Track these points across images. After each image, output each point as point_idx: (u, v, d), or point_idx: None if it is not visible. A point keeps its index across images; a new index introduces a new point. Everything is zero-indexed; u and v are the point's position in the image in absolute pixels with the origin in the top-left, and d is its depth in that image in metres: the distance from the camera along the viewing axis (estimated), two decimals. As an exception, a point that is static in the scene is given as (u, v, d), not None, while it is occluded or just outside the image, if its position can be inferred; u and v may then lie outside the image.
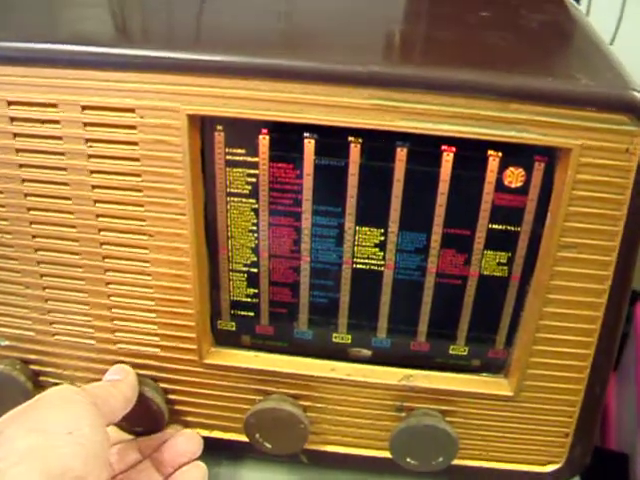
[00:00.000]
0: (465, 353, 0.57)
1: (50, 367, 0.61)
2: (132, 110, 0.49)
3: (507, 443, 0.59)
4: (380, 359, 0.58)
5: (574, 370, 0.55)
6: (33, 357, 0.60)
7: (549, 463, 0.61)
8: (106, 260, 0.54)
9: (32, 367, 0.61)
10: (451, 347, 0.57)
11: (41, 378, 0.61)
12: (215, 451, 0.61)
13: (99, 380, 0.59)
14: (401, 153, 0.49)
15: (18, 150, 0.51)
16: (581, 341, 0.53)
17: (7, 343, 0.60)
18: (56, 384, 0.60)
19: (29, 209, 0.53)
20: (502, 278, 0.53)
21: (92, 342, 0.58)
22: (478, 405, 0.57)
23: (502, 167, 0.49)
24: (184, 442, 0.59)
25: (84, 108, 0.49)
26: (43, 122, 0.50)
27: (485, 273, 0.53)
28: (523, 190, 0.50)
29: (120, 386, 0.55)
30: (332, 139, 0.49)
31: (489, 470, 0.61)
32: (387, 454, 0.59)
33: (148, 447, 0.60)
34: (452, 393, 0.57)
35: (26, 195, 0.53)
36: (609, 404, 1.06)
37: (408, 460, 0.58)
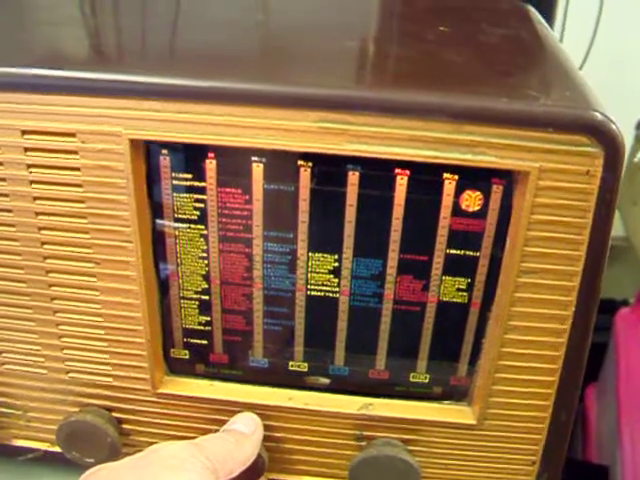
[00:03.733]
0: (426, 381, 0.55)
1: (2, 397, 0.59)
2: (73, 134, 0.47)
3: (472, 472, 0.57)
4: (338, 387, 0.56)
5: (539, 397, 0.53)
6: (-18, 388, 0.58)
7: (516, 491, 0.59)
8: (53, 288, 0.53)
9: (-19, 399, 0.59)
10: (411, 375, 0.55)
11: (-8, 409, 0.59)
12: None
13: (52, 410, 0.57)
14: (353, 177, 0.47)
15: (-43, 178, 0.49)
16: (545, 368, 0.52)
17: (-47, 374, 0.58)
18: (9, 414, 0.59)
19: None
20: (462, 304, 0.52)
21: (43, 371, 0.57)
22: (441, 434, 0.55)
23: (459, 190, 0.48)
24: None
25: (24, 132, 0.47)
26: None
27: (444, 299, 0.51)
28: (481, 214, 0.48)
29: (245, 445, 0.51)
30: (281, 163, 0.48)
31: (456, 498, 0.59)
32: (348, 484, 0.57)
33: None
34: (414, 422, 0.55)
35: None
36: (589, 415, 1.05)
37: (370, 492, 0.56)
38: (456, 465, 0.57)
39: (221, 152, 0.48)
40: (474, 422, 0.54)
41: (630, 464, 0.76)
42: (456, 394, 0.56)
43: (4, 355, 0.56)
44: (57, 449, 0.59)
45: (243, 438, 0.51)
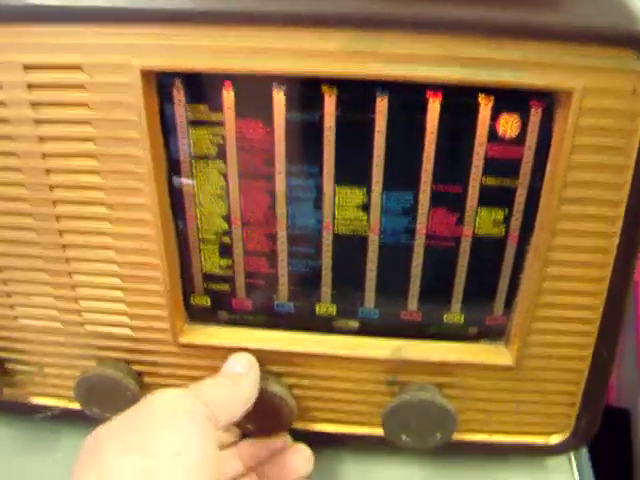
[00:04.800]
0: (461, 321, 0.53)
1: (15, 354, 0.56)
2: (79, 68, 0.44)
3: (509, 415, 0.55)
4: (368, 330, 0.53)
5: (580, 335, 0.50)
6: (-3, 344, 0.56)
7: (554, 434, 0.57)
8: (64, 236, 0.50)
9: (-4, 355, 0.56)
10: (445, 315, 0.52)
11: (7, 366, 0.57)
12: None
13: (69, 365, 0.55)
14: (381, 103, 0.44)
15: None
16: (587, 303, 0.49)
17: (-36, 330, 0.55)
18: (24, 371, 0.56)
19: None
20: (499, 238, 0.49)
21: (58, 324, 0.54)
22: (477, 376, 0.53)
23: (495, 114, 0.44)
24: (297, 458, 0.54)
25: (26, 68, 0.44)
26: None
27: (480, 233, 0.48)
28: (519, 140, 0.45)
29: (242, 384, 0.49)
30: (304, 90, 0.44)
31: (490, 444, 0.57)
32: (380, 431, 0.54)
33: (252, 457, 0.55)
34: (448, 364, 0.52)
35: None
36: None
37: (403, 438, 0.53)
38: (492, 408, 0.55)
39: (239, 80, 0.44)
40: (511, 363, 0.52)
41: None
42: (492, 334, 0.53)
43: (16, 309, 0.54)
44: (76, 406, 0.57)
45: (240, 378, 0.49)
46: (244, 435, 0.56)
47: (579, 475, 0.60)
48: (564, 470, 0.60)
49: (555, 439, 0.56)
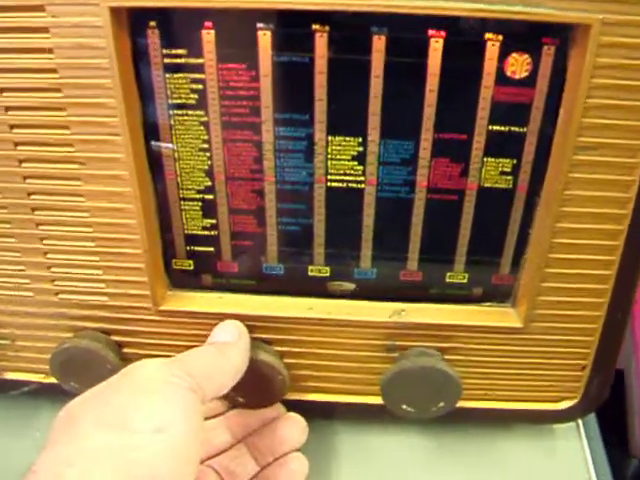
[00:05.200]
0: (464, 281, 0.49)
1: (-16, 324, 0.52)
2: (41, 8, 0.39)
3: (516, 380, 0.52)
4: (365, 293, 0.50)
5: (593, 294, 0.47)
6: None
7: (563, 399, 0.53)
8: (32, 197, 0.45)
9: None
10: (448, 274, 0.49)
11: (-25, 338, 0.53)
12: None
13: (43, 337, 0.51)
14: (378, 42, 0.40)
15: None
16: (601, 260, 0.45)
17: None
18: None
19: None
20: (506, 190, 0.45)
21: (29, 294, 0.50)
22: (482, 340, 0.49)
23: (503, 54, 0.40)
24: (288, 427, 0.51)
25: (-20, 10, 0.39)
26: None
27: (486, 185, 0.45)
28: (529, 81, 0.41)
29: (230, 354, 0.45)
30: (292, 29, 0.40)
31: (495, 411, 0.54)
32: (379, 400, 0.51)
33: (241, 427, 0.52)
34: (451, 328, 0.49)
35: None
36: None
37: (404, 407, 0.50)
38: (498, 374, 0.51)
39: (220, 19, 0.40)
40: (520, 325, 0.48)
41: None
42: (498, 295, 0.50)
43: (-17, 278, 0.49)
44: (53, 380, 0.53)
45: (228, 347, 0.45)
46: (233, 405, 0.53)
47: (587, 441, 0.57)
48: (572, 437, 0.57)
49: (564, 404, 0.53)
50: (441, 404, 0.50)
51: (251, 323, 0.49)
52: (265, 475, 0.50)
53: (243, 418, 0.52)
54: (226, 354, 0.44)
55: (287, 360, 0.50)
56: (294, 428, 0.51)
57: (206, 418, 0.51)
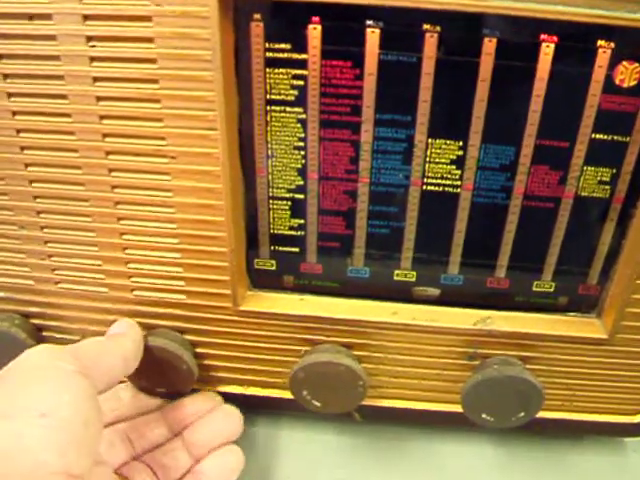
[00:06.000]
0: (551, 290, 0.48)
1: (55, 321, 0.51)
2: (146, -3, 0.38)
3: (594, 392, 0.51)
4: (450, 299, 0.49)
5: (681, 306, 0.46)
6: (34, 310, 0.51)
7: (639, 413, 0.52)
8: (116, 190, 0.44)
9: (34, 321, 0.51)
10: (535, 283, 0.48)
11: (45, 334, 0.52)
12: (250, 410, 0.53)
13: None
14: (489, 45, 0.39)
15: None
16: (694, 272, 0.44)
17: (2, 295, 0.50)
18: (65, 340, 0.51)
19: (18, 131, 0.43)
20: (602, 200, 0.44)
21: (104, 290, 0.49)
22: (565, 350, 0.48)
23: (614, 62, 0.39)
24: (222, 420, 0.50)
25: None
26: (31, 17, 0.39)
27: (583, 194, 0.44)
28: (637, 90, 0.40)
29: (120, 340, 0.45)
30: (402, 27, 0.39)
31: (570, 422, 0.53)
32: (456, 408, 0.50)
33: (176, 421, 0.51)
34: (535, 337, 0.48)
35: (14, 113, 0.43)
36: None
37: (483, 416, 0.49)
38: (578, 385, 0.50)
39: (328, 15, 0.39)
40: (605, 336, 0.47)
41: None
42: (583, 305, 0.49)
43: (58, 272, 0.49)
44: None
45: (119, 336, 0.46)
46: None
47: (659, 456, 0.56)
48: (643, 451, 0.56)
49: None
50: (521, 414, 0.49)
51: (333, 326, 0.48)
52: (199, 468, 0.49)
53: (179, 412, 0.51)
54: (115, 340, 0.45)
55: (367, 365, 0.49)
56: (228, 420, 0.50)
57: (141, 413, 0.51)
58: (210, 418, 0.50)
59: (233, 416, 0.50)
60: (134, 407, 0.51)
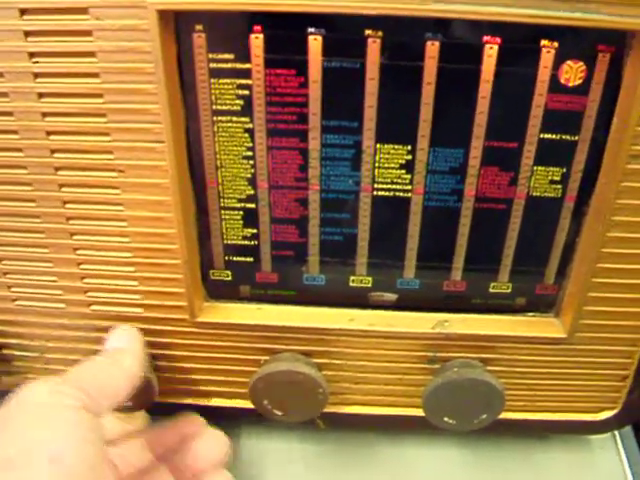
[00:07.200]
0: (508, 291, 0.48)
1: (14, 338, 0.51)
2: (84, 10, 0.38)
3: (556, 391, 0.51)
4: (407, 304, 0.49)
5: (639, 303, 0.46)
6: (-8, 328, 0.50)
7: (603, 410, 0.53)
8: (68, 206, 0.44)
9: (-9, 340, 0.51)
10: (492, 284, 0.48)
11: (4, 352, 0.52)
12: (212, 420, 0.52)
13: (74, 350, 0.49)
14: (432, 48, 0.39)
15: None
16: (650, 269, 0.44)
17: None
18: (24, 357, 0.51)
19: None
20: (555, 199, 0.44)
21: (62, 305, 0.49)
22: (525, 350, 0.48)
23: (558, 61, 0.39)
24: (209, 445, 0.48)
25: (23, 12, 0.38)
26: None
27: (534, 194, 0.44)
28: (583, 89, 0.40)
29: (122, 360, 0.44)
30: (344, 34, 0.39)
31: (534, 422, 0.53)
32: (419, 412, 0.50)
33: (161, 445, 0.49)
34: (494, 338, 0.48)
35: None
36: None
37: (446, 420, 0.49)
38: (540, 385, 0.51)
39: (270, 24, 0.39)
40: (564, 335, 0.47)
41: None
42: (541, 305, 0.49)
43: (14, 290, 0.48)
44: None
45: (119, 353, 0.44)
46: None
47: (625, 452, 0.56)
48: (609, 448, 0.56)
49: (604, 415, 0.52)
50: (483, 416, 0.49)
51: (290, 335, 0.48)
52: None
53: (163, 436, 0.50)
54: (117, 360, 0.43)
55: (327, 372, 0.49)
56: (214, 444, 0.49)
57: (127, 439, 0.49)
58: (196, 442, 0.49)
59: (220, 440, 0.49)
60: (117, 432, 0.49)
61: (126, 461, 0.48)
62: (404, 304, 0.48)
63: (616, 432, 0.57)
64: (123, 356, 0.44)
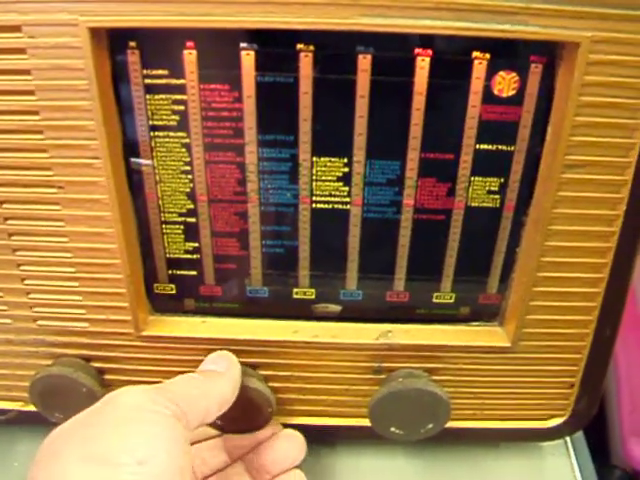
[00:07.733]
0: (451, 301, 0.48)
1: (-38, 355, 0.50)
2: (18, 28, 0.38)
3: (504, 399, 0.51)
4: (351, 315, 0.49)
5: (581, 312, 0.47)
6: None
7: (552, 417, 0.53)
8: (9, 222, 0.44)
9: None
10: (435, 295, 0.48)
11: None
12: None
13: (21, 365, 0.49)
14: (364, 61, 0.39)
15: None
16: (590, 278, 0.45)
17: None
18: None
19: None
20: (493, 209, 0.44)
21: (8, 321, 0.48)
22: (470, 359, 0.49)
23: (490, 72, 0.40)
24: (286, 445, 0.49)
25: (-46, 30, 0.38)
26: None
27: (473, 205, 0.44)
28: (516, 100, 0.41)
29: (219, 383, 0.43)
30: (277, 49, 0.39)
31: (484, 431, 0.53)
32: (365, 422, 0.50)
33: (238, 447, 0.50)
34: (439, 348, 0.48)
35: None
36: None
37: (392, 429, 0.49)
38: (487, 393, 0.51)
39: (202, 39, 0.39)
40: (508, 344, 0.48)
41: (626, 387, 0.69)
42: (485, 314, 0.49)
43: (-41, 306, 0.48)
44: (32, 408, 0.51)
45: (215, 375, 0.44)
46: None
47: (576, 458, 0.56)
48: (560, 454, 0.57)
49: (553, 422, 0.53)
50: (430, 425, 0.49)
51: (236, 347, 0.48)
52: None
53: (240, 439, 0.50)
54: (212, 381, 0.43)
55: (273, 384, 0.49)
56: (292, 445, 0.49)
57: (202, 440, 0.50)
58: (273, 443, 0.49)
59: (296, 440, 0.49)
60: (196, 434, 0.49)
61: (203, 461, 0.49)
62: (348, 315, 0.49)
63: (567, 438, 0.57)
64: (221, 380, 0.44)
